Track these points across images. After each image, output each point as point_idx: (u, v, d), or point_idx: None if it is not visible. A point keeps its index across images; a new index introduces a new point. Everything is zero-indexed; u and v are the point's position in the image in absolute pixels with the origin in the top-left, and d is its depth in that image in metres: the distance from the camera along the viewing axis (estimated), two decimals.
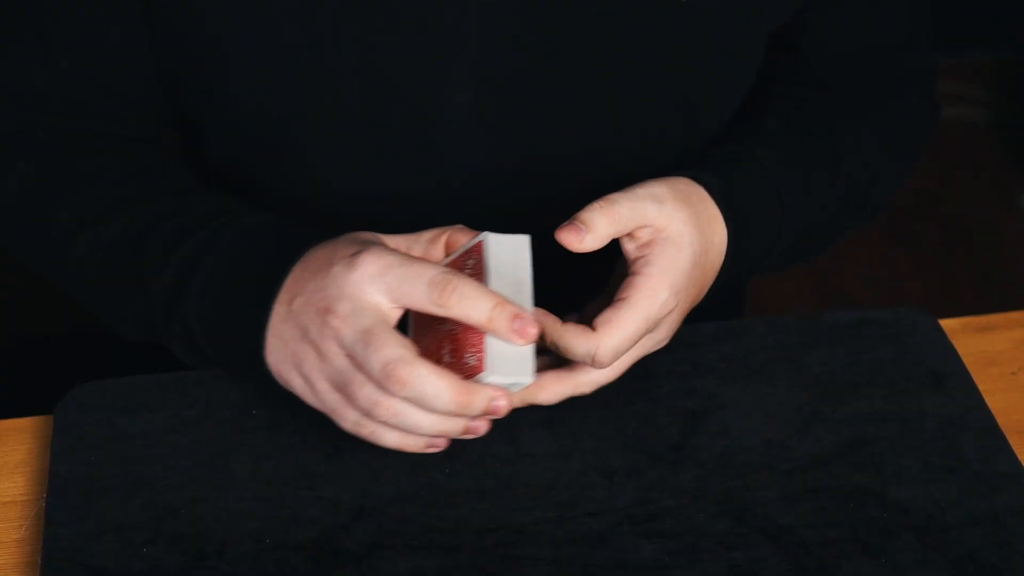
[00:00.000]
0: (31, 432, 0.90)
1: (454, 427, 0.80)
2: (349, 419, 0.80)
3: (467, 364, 0.78)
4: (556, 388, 0.85)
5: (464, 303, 0.77)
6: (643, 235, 0.84)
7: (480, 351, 0.78)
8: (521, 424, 0.88)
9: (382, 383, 0.77)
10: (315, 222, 0.93)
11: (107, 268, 0.92)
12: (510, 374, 0.78)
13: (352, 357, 0.78)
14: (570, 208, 0.84)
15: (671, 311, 0.84)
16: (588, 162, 0.96)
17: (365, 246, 0.80)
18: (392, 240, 0.84)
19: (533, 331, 0.77)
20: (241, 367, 0.85)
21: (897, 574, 0.79)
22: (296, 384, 0.82)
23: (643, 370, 0.91)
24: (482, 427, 0.81)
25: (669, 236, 0.84)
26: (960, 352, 0.94)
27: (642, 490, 0.84)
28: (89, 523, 0.81)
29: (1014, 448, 0.87)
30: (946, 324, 0.97)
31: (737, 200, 0.90)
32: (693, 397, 0.90)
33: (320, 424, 0.85)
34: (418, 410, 0.78)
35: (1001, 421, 0.89)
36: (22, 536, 0.83)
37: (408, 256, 0.79)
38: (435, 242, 0.84)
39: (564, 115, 0.94)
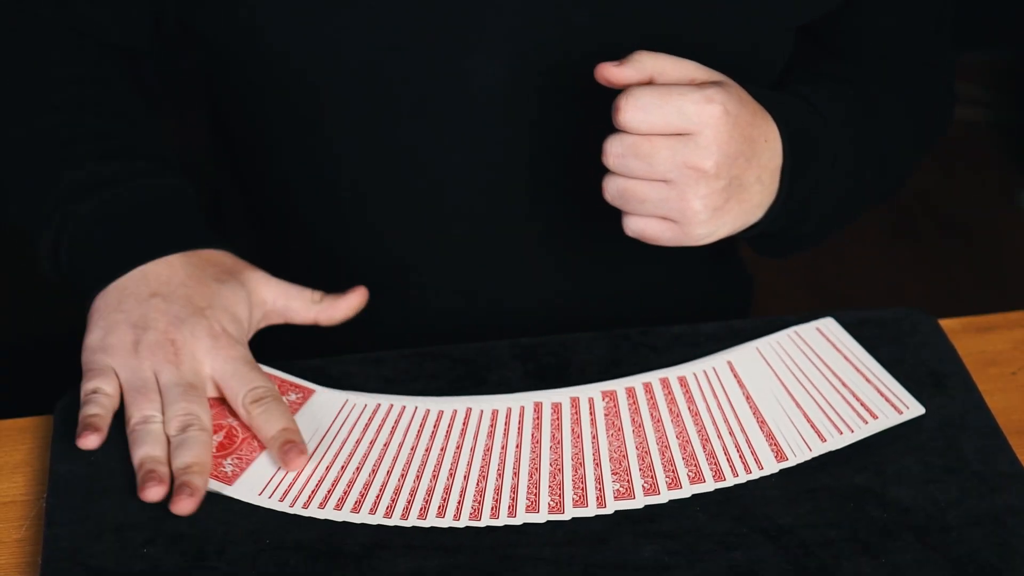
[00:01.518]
0: (31, 432, 0.90)
1: (162, 471, 0.83)
2: (92, 385, 0.85)
3: (223, 470, 0.84)
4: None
5: (263, 416, 0.84)
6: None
7: (242, 465, 0.84)
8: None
9: (180, 420, 0.83)
10: (333, 187, 0.98)
11: (29, 150, 0.94)
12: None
13: (159, 387, 0.85)
14: (599, 181, 0.85)
15: (713, 114, 0.82)
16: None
17: (227, 329, 0.87)
18: (268, 291, 0.91)
19: (299, 460, 0.83)
20: (76, 283, 0.90)
21: (897, 574, 0.79)
22: (91, 337, 0.87)
23: (643, 370, 0.91)
24: (181, 504, 0.81)
25: (723, 80, 0.84)
26: (960, 352, 0.94)
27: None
28: (89, 523, 0.81)
29: (1014, 448, 0.87)
30: (946, 324, 0.97)
31: (794, 123, 0.89)
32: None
33: None
34: (160, 441, 0.84)
35: (1001, 421, 0.89)
36: (22, 536, 0.83)
37: (248, 363, 0.86)
38: (299, 311, 0.91)
39: (598, 91, 0.93)
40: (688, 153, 0.81)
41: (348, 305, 0.91)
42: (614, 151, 0.82)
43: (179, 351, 0.85)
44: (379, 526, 0.81)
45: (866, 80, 1.02)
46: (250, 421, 0.85)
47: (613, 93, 0.86)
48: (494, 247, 1.01)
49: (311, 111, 0.95)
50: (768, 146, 0.86)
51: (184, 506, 0.80)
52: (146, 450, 0.82)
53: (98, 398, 0.84)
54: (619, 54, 0.85)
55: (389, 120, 0.94)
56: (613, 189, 0.83)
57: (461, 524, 0.81)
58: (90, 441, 0.83)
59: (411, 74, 0.92)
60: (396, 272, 1.02)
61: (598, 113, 0.92)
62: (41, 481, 0.86)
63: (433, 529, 0.81)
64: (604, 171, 0.85)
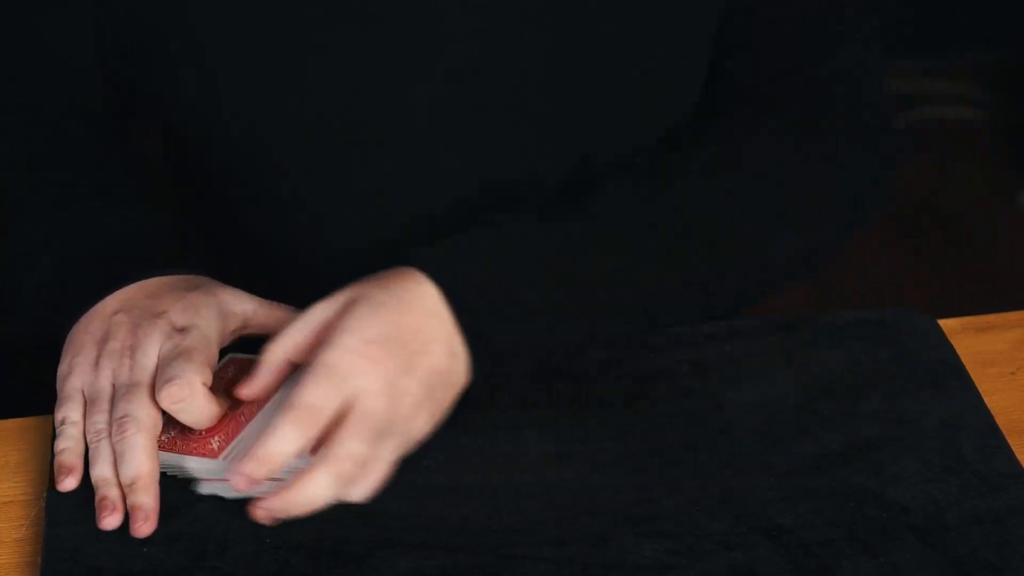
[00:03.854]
0: (31, 432, 0.90)
1: (110, 494, 0.81)
2: (65, 412, 0.84)
3: (209, 447, 0.83)
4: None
5: (176, 408, 0.82)
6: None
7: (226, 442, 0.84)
8: (522, 424, 0.88)
9: (116, 425, 0.82)
10: (284, 222, 0.97)
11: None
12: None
13: (116, 391, 0.84)
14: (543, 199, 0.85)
15: (356, 356, 0.79)
16: (575, 158, 0.95)
17: (190, 327, 0.84)
18: (240, 304, 0.88)
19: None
20: (51, 330, 0.90)
21: (897, 574, 0.79)
22: (63, 362, 0.87)
23: (643, 371, 0.91)
24: (111, 523, 0.80)
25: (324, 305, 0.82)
26: (960, 352, 0.94)
27: (642, 490, 0.84)
28: (89, 523, 0.81)
29: (1014, 448, 0.87)
30: (946, 324, 0.97)
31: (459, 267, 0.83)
32: (693, 397, 0.90)
33: None
34: (107, 458, 0.82)
35: (1001, 421, 0.89)
36: (22, 536, 0.83)
37: (199, 354, 0.83)
38: (284, 321, 0.86)
39: (549, 114, 0.93)
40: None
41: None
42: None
43: (133, 354, 0.84)
44: (380, 526, 0.81)
45: (741, 136, 0.93)
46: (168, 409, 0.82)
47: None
48: None
49: (262, 162, 0.95)
50: (424, 304, 0.82)
51: (142, 530, 0.80)
52: (96, 471, 0.82)
53: (66, 429, 0.84)
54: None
55: (339, 160, 0.94)
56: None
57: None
58: (67, 484, 0.82)
59: (359, 111, 0.92)
60: None
61: (550, 140, 0.93)
62: (41, 481, 0.86)
63: (433, 528, 0.81)
64: (558, 185, 0.86)
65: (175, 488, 0.83)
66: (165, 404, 0.81)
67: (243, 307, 0.88)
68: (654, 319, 0.90)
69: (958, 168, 2.46)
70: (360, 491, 0.80)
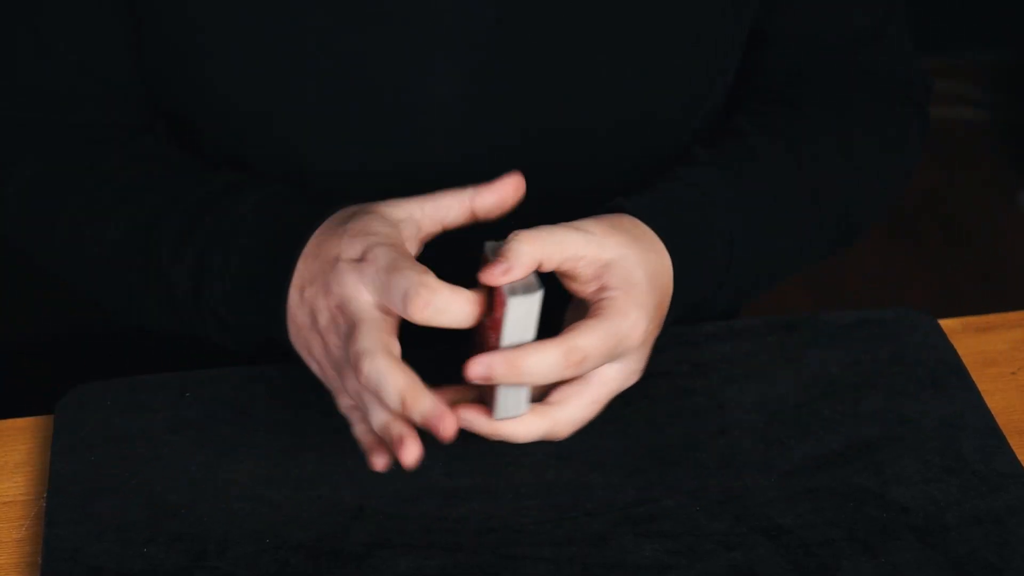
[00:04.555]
0: (31, 432, 0.90)
1: (394, 431, 0.77)
2: (343, 403, 0.82)
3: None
4: (531, 427, 0.81)
5: (436, 316, 0.77)
6: (583, 271, 0.81)
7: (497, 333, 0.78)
8: None
9: (356, 372, 0.77)
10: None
11: (119, 267, 0.92)
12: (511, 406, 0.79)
13: (346, 347, 0.79)
14: (555, 196, 0.85)
15: (642, 336, 0.81)
16: (575, 150, 0.96)
17: (369, 246, 0.80)
18: (403, 209, 0.83)
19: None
20: (279, 347, 0.86)
21: (897, 574, 0.79)
22: (312, 366, 0.83)
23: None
24: (410, 454, 0.77)
25: (613, 261, 0.82)
26: (960, 352, 0.94)
27: (642, 490, 0.84)
28: (89, 523, 0.81)
29: (1014, 448, 0.87)
30: (946, 324, 0.97)
31: (678, 232, 0.87)
32: (693, 397, 0.90)
33: (320, 424, 0.85)
34: (377, 404, 0.78)
35: (1001, 421, 0.89)
36: (22, 536, 0.83)
37: (401, 260, 0.78)
38: (453, 206, 0.83)
39: (549, 102, 0.93)
40: (630, 368, 0.83)
41: (501, 192, 0.85)
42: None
43: (342, 309, 0.80)
44: (379, 526, 0.81)
45: (809, 114, 1.00)
46: (421, 322, 0.77)
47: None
48: (461, 267, 1.01)
49: (274, 155, 0.95)
50: (668, 275, 0.86)
51: (448, 432, 0.75)
52: (374, 420, 0.79)
53: (350, 413, 0.82)
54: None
55: (348, 146, 0.94)
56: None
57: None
58: (379, 463, 0.80)
59: (362, 101, 0.92)
60: None
61: (552, 128, 0.93)
62: (41, 481, 0.86)
63: (433, 529, 0.81)
64: (564, 188, 0.87)
65: (175, 488, 0.83)
66: (420, 317, 0.76)
67: (408, 211, 0.84)
68: (796, 269, 0.98)
69: (958, 168, 2.46)
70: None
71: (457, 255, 1.00)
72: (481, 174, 0.95)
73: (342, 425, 0.82)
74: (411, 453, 0.76)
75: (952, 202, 2.40)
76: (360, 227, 0.82)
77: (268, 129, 0.94)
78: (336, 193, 0.95)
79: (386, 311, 0.79)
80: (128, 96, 0.97)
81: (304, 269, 0.83)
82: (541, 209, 0.92)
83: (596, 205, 0.91)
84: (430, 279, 0.77)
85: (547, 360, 0.77)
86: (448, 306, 0.76)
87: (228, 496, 0.83)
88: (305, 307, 0.82)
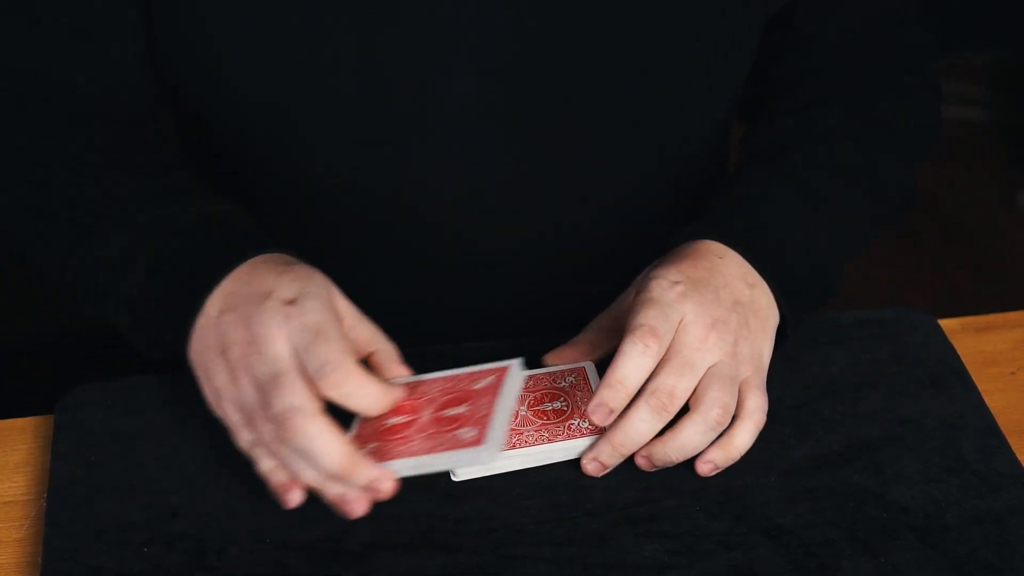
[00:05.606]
0: (31, 432, 0.90)
1: (331, 490, 0.77)
2: (244, 439, 0.80)
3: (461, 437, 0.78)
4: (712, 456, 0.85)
5: (344, 399, 0.77)
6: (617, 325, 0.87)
7: (483, 426, 0.78)
8: None
9: (278, 427, 0.76)
10: (315, 209, 0.95)
11: (64, 222, 0.91)
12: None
13: (261, 392, 0.78)
14: (572, 193, 0.89)
15: (672, 298, 0.84)
16: (593, 149, 0.96)
17: (304, 294, 0.79)
18: (349, 308, 0.83)
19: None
20: (171, 352, 0.85)
21: (897, 574, 0.79)
22: (206, 391, 0.82)
23: None
24: (357, 508, 0.77)
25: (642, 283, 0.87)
26: (960, 352, 0.94)
27: (642, 490, 0.84)
28: (89, 523, 0.81)
29: (1014, 448, 0.87)
30: (946, 324, 0.97)
31: (756, 233, 0.91)
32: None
33: None
34: (303, 461, 0.77)
35: (1001, 421, 0.89)
36: (22, 536, 0.83)
37: (330, 327, 0.78)
38: (381, 349, 0.84)
39: (568, 101, 0.93)
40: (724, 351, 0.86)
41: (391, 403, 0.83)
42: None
43: (258, 347, 0.78)
44: (379, 526, 0.81)
45: (844, 103, 1.02)
46: (331, 398, 0.77)
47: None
48: (472, 260, 1.00)
49: (287, 149, 0.95)
50: (725, 260, 0.89)
51: (384, 495, 0.77)
52: (266, 463, 0.79)
53: (256, 451, 0.80)
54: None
55: (362, 145, 0.94)
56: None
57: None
58: (293, 498, 0.78)
59: (379, 100, 0.92)
60: (374, 287, 1.00)
61: (570, 126, 0.94)
62: (41, 481, 0.86)
63: (433, 529, 0.81)
64: (576, 187, 0.89)
65: (175, 488, 0.83)
66: (328, 393, 0.76)
67: (352, 311, 0.84)
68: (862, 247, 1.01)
69: (958, 168, 2.46)
70: (698, 433, 0.83)
71: (450, 253, 1.00)
72: (486, 167, 0.95)
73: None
74: (296, 498, 0.78)
75: (952, 202, 2.40)
76: (303, 274, 0.81)
77: (277, 122, 0.94)
78: (343, 185, 0.95)
79: (302, 364, 0.77)
80: (125, 86, 0.97)
81: (229, 290, 0.82)
82: (548, 207, 0.92)
83: (604, 203, 0.91)
84: (348, 361, 0.76)
85: (635, 352, 0.82)
86: (357, 391, 0.77)
87: (228, 496, 0.83)
88: (218, 331, 0.81)
